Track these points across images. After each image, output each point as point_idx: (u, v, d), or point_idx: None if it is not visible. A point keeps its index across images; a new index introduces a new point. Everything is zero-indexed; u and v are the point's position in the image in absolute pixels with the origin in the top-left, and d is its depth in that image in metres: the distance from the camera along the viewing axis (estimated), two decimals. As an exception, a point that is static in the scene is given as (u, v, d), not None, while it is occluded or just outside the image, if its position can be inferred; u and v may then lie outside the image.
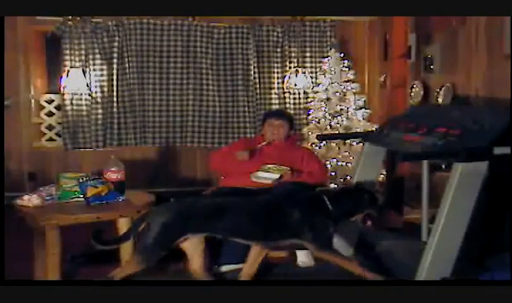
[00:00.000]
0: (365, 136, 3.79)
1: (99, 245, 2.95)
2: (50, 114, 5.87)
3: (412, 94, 4.94)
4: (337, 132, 5.31)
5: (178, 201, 3.15)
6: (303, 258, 3.63)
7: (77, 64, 5.60)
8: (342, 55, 5.64)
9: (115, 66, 5.69)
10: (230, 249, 3.38)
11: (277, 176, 3.70)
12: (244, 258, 3.23)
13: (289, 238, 3.05)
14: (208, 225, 2.97)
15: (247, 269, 3.18)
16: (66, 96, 5.62)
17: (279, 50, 5.98)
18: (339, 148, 5.35)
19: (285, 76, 6.01)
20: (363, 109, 5.50)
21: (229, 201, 3.11)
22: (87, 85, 5.65)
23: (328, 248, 3.04)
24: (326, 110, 5.46)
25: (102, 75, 5.68)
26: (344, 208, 3.10)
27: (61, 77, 5.62)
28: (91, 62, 5.64)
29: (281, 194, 3.31)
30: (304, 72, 5.98)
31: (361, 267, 3.01)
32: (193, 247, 3.07)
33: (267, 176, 3.71)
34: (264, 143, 3.96)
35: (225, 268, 3.47)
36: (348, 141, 5.29)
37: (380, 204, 3.31)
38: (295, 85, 5.98)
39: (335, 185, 5.05)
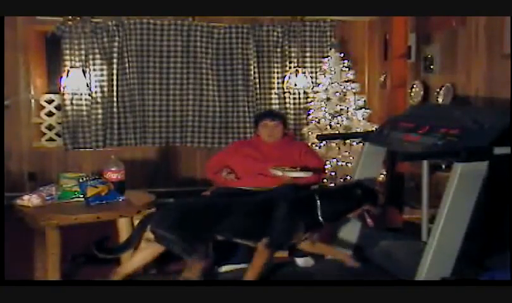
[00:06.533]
0: (365, 136, 3.79)
1: (101, 254, 2.94)
2: (50, 114, 5.86)
3: (412, 94, 4.94)
4: (337, 132, 5.31)
5: (176, 205, 3.16)
6: (303, 258, 3.62)
7: (77, 64, 5.60)
8: (342, 55, 5.64)
9: (115, 66, 5.69)
10: (230, 249, 3.38)
11: (304, 174, 3.65)
12: (244, 258, 3.23)
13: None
14: (208, 227, 2.97)
15: (251, 271, 3.15)
16: (66, 96, 5.62)
17: (279, 50, 5.98)
18: (339, 148, 5.36)
19: (285, 76, 6.01)
20: (363, 109, 5.50)
21: (228, 202, 3.12)
22: (87, 85, 5.65)
23: (274, 247, 3.06)
24: (326, 110, 5.46)
25: (102, 75, 5.68)
26: (336, 206, 3.10)
27: (61, 77, 5.62)
28: (91, 62, 5.65)
29: (276, 194, 3.30)
30: (304, 72, 5.98)
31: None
32: (143, 251, 3.04)
33: (296, 175, 3.65)
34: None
35: (224, 268, 3.47)
36: (348, 141, 5.29)
37: (380, 200, 3.28)
38: (295, 85, 5.98)
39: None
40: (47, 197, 3.36)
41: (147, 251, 3.01)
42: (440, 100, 4.47)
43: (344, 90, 5.51)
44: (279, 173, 3.62)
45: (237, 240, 3.09)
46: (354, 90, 5.52)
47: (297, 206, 3.07)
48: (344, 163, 5.25)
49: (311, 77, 6.00)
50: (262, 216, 3.03)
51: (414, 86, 4.92)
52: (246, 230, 3.03)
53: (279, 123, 3.98)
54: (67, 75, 5.59)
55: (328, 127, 5.41)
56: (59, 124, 5.79)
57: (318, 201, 3.06)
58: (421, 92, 4.83)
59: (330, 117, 5.43)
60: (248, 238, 3.08)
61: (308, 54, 6.02)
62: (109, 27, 5.65)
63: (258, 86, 5.95)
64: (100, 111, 5.73)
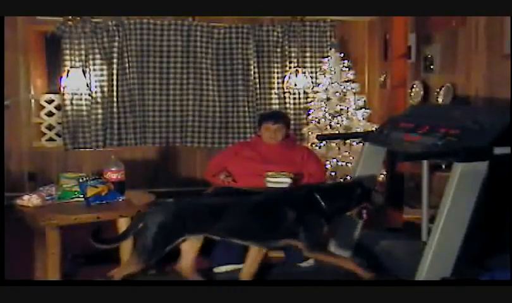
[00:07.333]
0: (365, 136, 3.79)
1: (98, 244, 2.95)
2: (50, 114, 5.87)
3: (412, 94, 4.94)
4: (337, 132, 5.31)
5: (175, 202, 3.15)
6: (303, 258, 3.62)
7: (77, 64, 5.60)
8: (342, 55, 5.64)
9: (115, 66, 5.70)
10: (229, 249, 3.38)
11: (289, 181, 3.64)
12: (243, 258, 3.23)
13: (285, 238, 3.05)
14: (205, 226, 2.97)
15: (247, 269, 3.18)
16: (66, 96, 5.62)
17: (279, 50, 5.98)
18: (339, 148, 5.36)
19: (285, 76, 6.01)
20: (363, 109, 5.50)
21: (225, 202, 3.11)
22: (87, 85, 5.65)
23: (319, 248, 3.04)
24: (326, 110, 5.46)
25: (102, 75, 5.69)
26: (337, 204, 3.10)
27: (61, 77, 5.62)
28: (91, 62, 5.65)
29: (276, 193, 3.30)
30: (305, 72, 5.99)
31: (357, 264, 3.01)
32: (189, 245, 3.07)
33: (280, 180, 3.64)
34: None
35: (224, 268, 3.46)
36: (348, 141, 5.29)
37: (375, 198, 3.29)
38: (295, 85, 5.99)
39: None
40: (47, 197, 3.35)
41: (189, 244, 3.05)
42: (440, 100, 4.47)
43: (344, 90, 5.51)
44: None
45: (235, 241, 3.08)
46: (354, 90, 5.52)
47: (303, 205, 3.06)
48: (344, 163, 5.25)
49: (311, 77, 6.00)
50: (261, 217, 3.03)
51: (414, 86, 4.92)
52: (243, 230, 3.03)
53: (281, 126, 3.93)
54: (67, 75, 5.59)
55: (328, 127, 5.41)
56: (59, 124, 5.79)
57: (320, 199, 3.06)
58: (421, 92, 4.83)
59: (330, 117, 5.43)
60: (245, 239, 3.07)
61: (308, 54, 6.02)
62: (109, 27, 5.65)
63: (258, 86, 5.95)
64: (100, 111, 5.73)
